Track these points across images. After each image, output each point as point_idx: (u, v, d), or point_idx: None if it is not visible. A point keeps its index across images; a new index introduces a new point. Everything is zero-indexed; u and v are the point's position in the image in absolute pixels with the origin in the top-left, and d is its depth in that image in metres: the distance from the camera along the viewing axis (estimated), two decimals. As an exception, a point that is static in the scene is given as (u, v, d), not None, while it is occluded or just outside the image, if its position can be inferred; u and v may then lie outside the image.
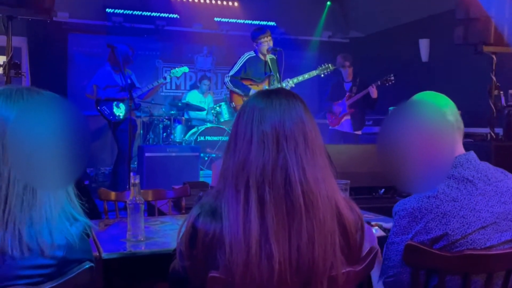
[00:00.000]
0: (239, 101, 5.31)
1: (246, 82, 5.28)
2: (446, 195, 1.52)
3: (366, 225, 1.84)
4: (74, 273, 1.20)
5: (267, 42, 5.22)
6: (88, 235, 1.24)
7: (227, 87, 5.34)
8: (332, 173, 1.32)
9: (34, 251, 1.14)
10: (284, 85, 5.26)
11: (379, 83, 5.89)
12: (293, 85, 5.34)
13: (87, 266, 1.23)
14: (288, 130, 1.27)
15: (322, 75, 5.62)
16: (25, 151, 1.15)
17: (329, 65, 5.62)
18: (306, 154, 1.26)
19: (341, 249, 1.27)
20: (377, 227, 2.25)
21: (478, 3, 4.52)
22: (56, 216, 1.18)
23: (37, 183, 1.16)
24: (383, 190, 3.98)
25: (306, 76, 5.44)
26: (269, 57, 5.30)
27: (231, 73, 5.28)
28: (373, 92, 5.88)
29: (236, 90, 5.25)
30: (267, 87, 5.27)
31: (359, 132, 6.33)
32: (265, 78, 5.31)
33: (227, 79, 5.29)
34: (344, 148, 4.61)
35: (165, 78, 5.83)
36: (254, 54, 5.31)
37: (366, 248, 1.54)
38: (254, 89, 5.22)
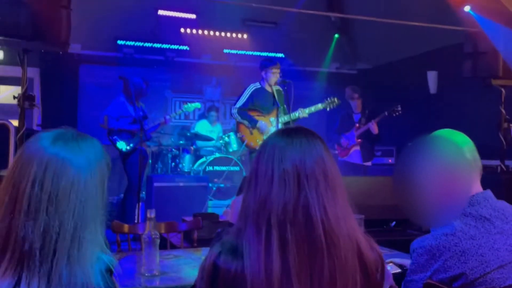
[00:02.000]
0: (245, 131, 5.36)
1: (253, 113, 5.33)
2: (464, 233, 1.52)
3: None
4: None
5: (275, 73, 5.27)
6: (111, 272, 1.23)
7: (235, 119, 5.39)
8: (352, 211, 1.33)
9: None
10: (297, 114, 5.29)
11: (386, 113, 5.93)
12: (307, 115, 5.36)
13: None
14: (309, 168, 1.28)
15: (328, 109, 5.61)
16: (78, 201, 1.16)
17: (335, 98, 5.58)
18: (327, 192, 1.27)
19: (362, 288, 1.27)
20: (391, 264, 2.23)
21: (486, 37, 4.58)
22: (89, 265, 1.17)
23: (85, 232, 1.16)
24: (394, 223, 3.95)
25: (313, 109, 5.44)
26: (275, 88, 5.33)
27: (238, 104, 5.33)
28: (374, 128, 5.94)
29: (244, 121, 5.30)
30: (273, 119, 5.33)
31: (369, 163, 6.34)
32: (272, 109, 5.34)
33: (234, 111, 5.33)
34: (353, 180, 4.60)
35: (165, 120, 5.81)
36: (260, 86, 5.35)
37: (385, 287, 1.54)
38: (261, 120, 5.28)
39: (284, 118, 5.27)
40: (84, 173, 1.18)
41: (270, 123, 5.30)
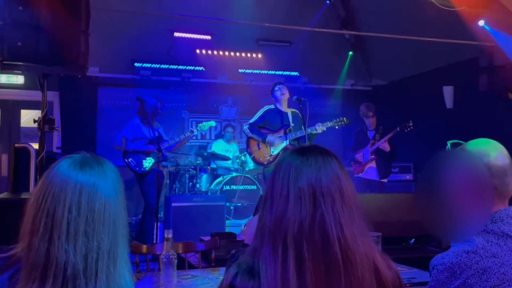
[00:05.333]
0: (254, 147, 5.66)
1: (261, 130, 5.63)
2: (486, 251, 1.50)
3: None
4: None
5: (279, 89, 5.58)
6: None
7: (245, 134, 5.70)
8: (369, 229, 1.32)
9: None
10: (309, 131, 5.47)
11: (398, 129, 5.92)
12: (320, 131, 5.52)
13: None
14: (324, 186, 1.28)
15: (337, 127, 5.76)
16: (111, 220, 1.22)
17: (344, 118, 5.75)
18: (343, 210, 1.27)
19: (379, 307, 1.26)
20: None
21: (502, 51, 4.56)
22: (123, 281, 1.22)
23: (118, 249, 1.22)
24: (413, 240, 3.90)
25: (324, 128, 5.59)
26: (290, 110, 5.65)
27: (251, 121, 5.68)
28: (385, 146, 5.95)
29: (253, 136, 5.61)
30: (282, 136, 5.58)
31: (385, 180, 6.28)
32: (280, 127, 5.59)
33: (245, 127, 5.69)
34: (371, 197, 4.58)
35: (192, 132, 5.94)
36: (274, 107, 5.66)
37: None
38: (269, 136, 5.54)
39: (292, 135, 5.55)
40: (112, 194, 1.24)
41: (279, 140, 5.57)
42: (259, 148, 5.62)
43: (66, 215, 1.17)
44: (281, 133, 5.59)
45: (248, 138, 5.70)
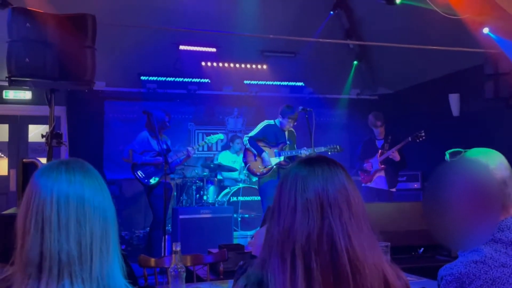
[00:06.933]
0: (250, 158, 5.91)
1: (259, 143, 5.89)
2: (494, 261, 1.49)
3: None
4: None
5: (290, 123, 5.86)
6: None
7: (244, 144, 5.95)
8: (377, 239, 1.32)
9: None
10: (303, 152, 5.77)
11: (409, 139, 5.89)
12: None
13: None
14: (331, 197, 1.28)
15: (329, 153, 5.96)
16: (101, 208, 1.23)
17: (337, 146, 6.00)
18: (350, 221, 1.27)
19: (389, 318, 1.25)
20: None
21: (507, 58, 4.56)
22: (115, 267, 1.24)
23: (110, 234, 1.24)
24: (422, 249, 3.87)
25: (315, 151, 5.76)
26: (288, 128, 5.93)
27: (251, 134, 5.93)
28: (395, 156, 5.95)
29: (251, 148, 5.85)
30: (277, 151, 5.88)
31: (394, 189, 6.26)
32: (278, 143, 5.89)
33: (246, 139, 5.92)
34: (379, 207, 4.55)
35: (188, 151, 5.90)
36: (273, 123, 5.92)
37: None
38: (266, 152, 5.81)
39: (287, 153, 5.85)
40: (98, 186, 1.26)
41: (274, 154, 5.85)
42: (255, 159, 5.84)
43: (55, 208, 1.18)
44: (278, 148, 5.87)
45: (246, 149, 5.92)
